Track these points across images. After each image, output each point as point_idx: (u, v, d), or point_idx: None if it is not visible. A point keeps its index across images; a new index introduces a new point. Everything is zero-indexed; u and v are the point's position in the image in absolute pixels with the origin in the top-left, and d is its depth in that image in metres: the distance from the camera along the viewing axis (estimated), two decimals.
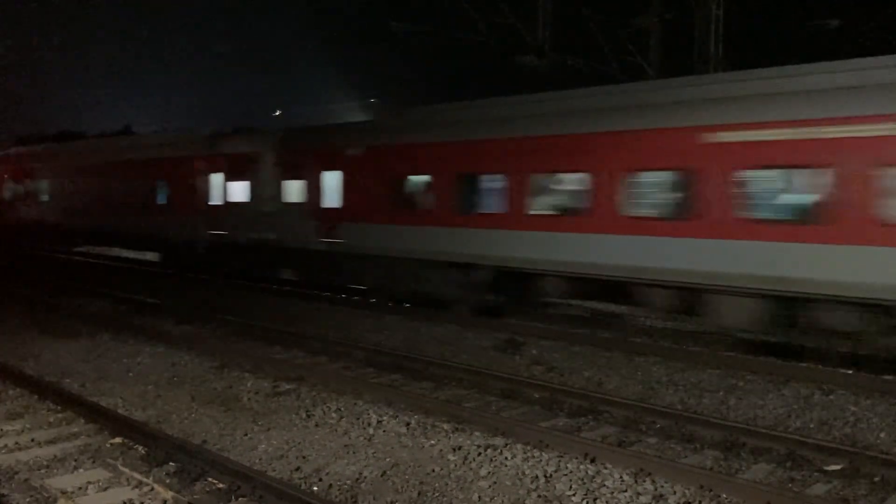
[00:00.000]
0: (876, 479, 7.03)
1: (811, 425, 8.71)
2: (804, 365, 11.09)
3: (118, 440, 7.85)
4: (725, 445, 7.92)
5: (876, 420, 8.83)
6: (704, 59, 20.12)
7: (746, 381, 10.52)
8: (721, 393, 9.96)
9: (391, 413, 8.92)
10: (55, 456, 7.44)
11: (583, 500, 6.56)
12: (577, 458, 7.44)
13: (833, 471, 7.22)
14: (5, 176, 33.21)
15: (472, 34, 22.34)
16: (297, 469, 7.19)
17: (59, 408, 9.01)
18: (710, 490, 6.68)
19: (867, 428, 8.58)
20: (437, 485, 6.84)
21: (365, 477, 7.01)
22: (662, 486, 6.81)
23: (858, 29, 22.07)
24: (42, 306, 16.49)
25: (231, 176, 20.54)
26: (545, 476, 7.02)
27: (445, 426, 8.42)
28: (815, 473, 7.22)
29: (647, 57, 22.32)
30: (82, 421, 8.52)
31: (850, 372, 10.69)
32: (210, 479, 6.79)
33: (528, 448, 7.72)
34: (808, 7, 23.44)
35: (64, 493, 6.53)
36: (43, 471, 7.10)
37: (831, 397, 9.72)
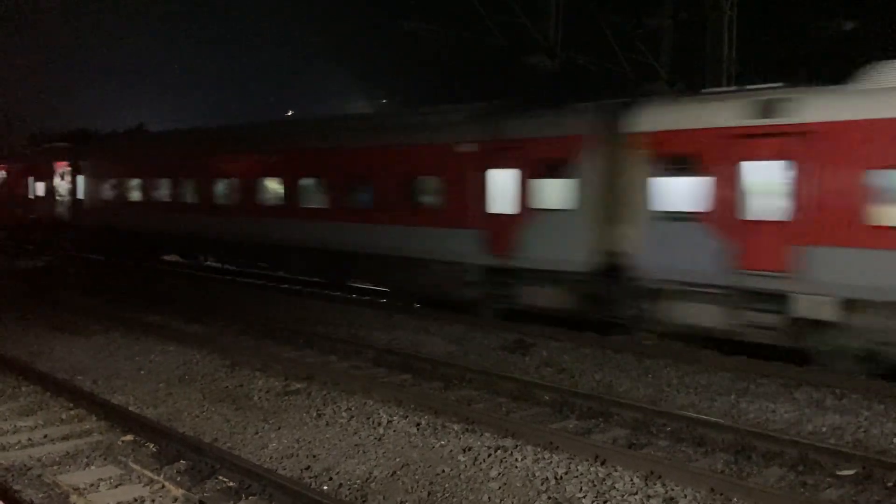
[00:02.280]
0: (889, 484, 6.97)
1: (823, 429, 8.64)
2: (816, 369, 11.01)
3: (129, 437, 7.90)
4: (737, 449, 7.88)
5: (889, 425, 8.75)
6: (717, 61, 20.01)
7: (758, 384, 10.46)
8: (732, 396, 9.90)
9: (401, 413, 8.92)
10: (67, 452, 7.50)
11: (593, 502, 6.54)
12: (587, 460, 7.43)
13: (845, 476, 7.17)
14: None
15: (482, 34, 22.31)
16: (308, 468, 7.21)
17: (71, 405, 9.07)
18: (722, 494, 6.65)
19: (880, 433, 8.51)
20: (447, 485, 6.84)
21: (375, 476, 7.01)
22: (673, 490, 6.78)
23: (873, 31, 21.92)
24: (56, 304, 16.59)
25: None
26: (555, 478, 7.01)
27: (455, 427, 8.42)
28: (828, 478, 7.17)
29: (659, 58, 22.24)
30: (94, 418, 8.58)
31: (863, 376, 10.60)
32: (220, 478, 6.82)
33: (539, 450, 7.70)
34: (822, 9, 23.31)
35: (76, 489, 6.58)
36: (55, 467, 7.15)
37: (844, 402, 9.65)
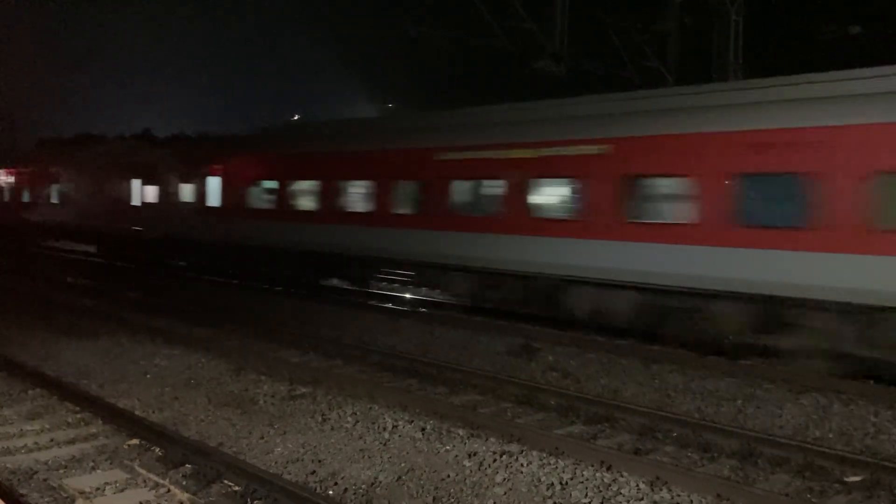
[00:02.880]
0: None
1: (830, 435, 8.61)
2: (823, 374, 10.96)
3: (135, 441, 7.90)
4: (743, 455, 7.84)
5: None
6: (723, 65, 20.00)
7: (764, 389, 10.43)
8: (738, 401, 9.87)
9: (406, 418, 8.91)
10: (73, 456, 7.51)
11: None
12: (593, 465, 7.41)
13: (853, 482, 7.14)
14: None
15: (489, 39, 22.36)
16: (313, 473, 7.20)
17: (77, 408, 9.09)
18: (728, 500, 6.62)
19: (888, 439, 8.47)
20: (452, 490, 6.83)
21: (380, 481, 7.01)
22: (679, 496, 6.76)
23: (879, 36, 21.88)
24: (61, 307, 16.64)
25: None
26: (561, 483, 6.99)
27: (461, 432, 8.41)
28: (835, 484, 7.13)
29: (665, 62, 22.24)
30: (100, 422, 8.59)
31: (871, 382, 10.55)
32: (226, 482, 6.83)
33: (544, 455, 7.69)
34: (829, 14, 23.27)
35: (81, 493, 6.58)
36: (61, 471, 7.16)
37: (851, 407, 9.61)
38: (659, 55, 22.80)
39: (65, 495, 6.60)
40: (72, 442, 7.95)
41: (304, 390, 10.13)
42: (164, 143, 26.40)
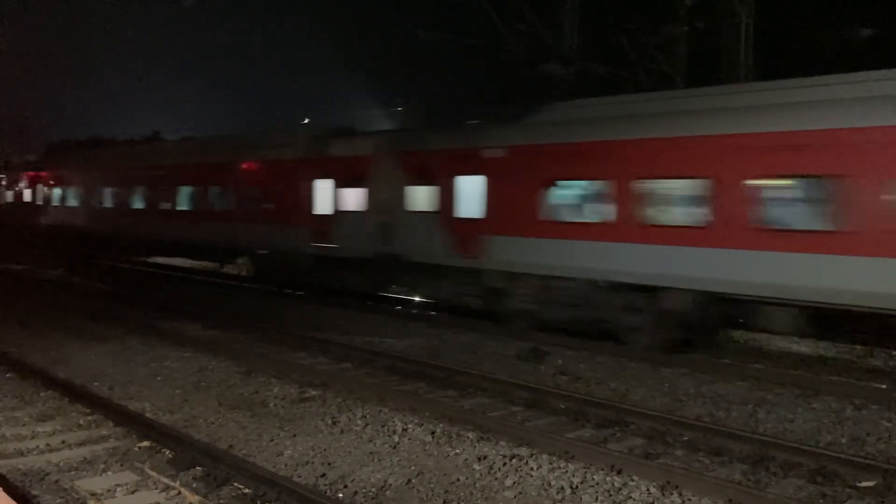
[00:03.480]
0: None
1: (843, 440, 8.55)
2: (835, 378, 10.90)
3: (146, 444, 7.93)
4: (754, 459, 7.80)
5: None
6: (733, 69, 19.93)
7: (775, 393, 10.37)
8: (750, 406, 9.82)
9: (416, 421, 8.91)
10: (84, 458, 7.54)
11: None
12: (603, 469, 7.38)
13: (866, 487, 7.09)
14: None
15: (497, 43, 22.36)
16: (323, 475, 7.21)
17: (88, 411, 9.13)
18: None
19: None
20: (461, 494, 6.82)
21: (390, 484, 7.01)
22: (690, 500, 6.73)
23: (891, 38, 21.76)
24: (72, 310, 16.73)
25: None
26: (571, 487, 6.97)
27: (470, 435, 8.40)
28: (848, 490, 7.08)
29: (674, 65, 22.19)
30: (111, 424, 8.63)
31: (884, 386, 10.49)
32: (236, 484, 6.84)
33: (554, 459, 7.67)
34: (840, 17, 23.18)
35: (93, 494, 6.61)
36: (73, 473, 7.19)
37: (864, 412, 9.55)
38: (668, 58, 22.76)
39: (76, 497, 6.62)
40: (83, 444, 7.99)
41: (313, 393, 10.15)
42: (374, 133, 19.49)
